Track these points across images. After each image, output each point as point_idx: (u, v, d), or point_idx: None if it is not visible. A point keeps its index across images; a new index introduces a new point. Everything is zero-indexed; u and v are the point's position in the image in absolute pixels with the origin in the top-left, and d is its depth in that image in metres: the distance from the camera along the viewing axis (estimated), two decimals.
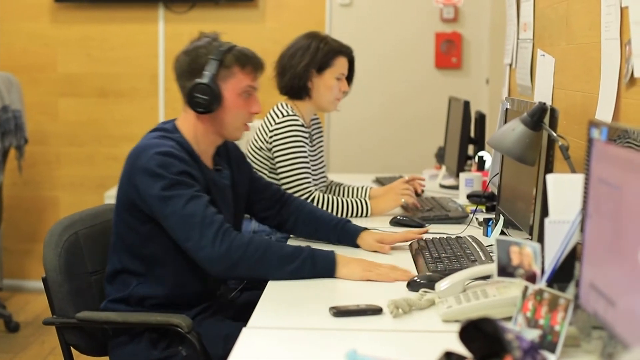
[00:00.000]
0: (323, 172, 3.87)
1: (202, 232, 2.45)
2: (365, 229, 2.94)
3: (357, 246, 2.90)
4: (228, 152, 2.89)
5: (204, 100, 2.62)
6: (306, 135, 3.61)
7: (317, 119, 3.91)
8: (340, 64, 3.70)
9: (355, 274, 2.49)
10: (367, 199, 3.57)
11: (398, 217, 3.33)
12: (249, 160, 3.64)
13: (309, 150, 3.64)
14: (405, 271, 2.50)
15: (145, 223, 2.59)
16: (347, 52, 3.73)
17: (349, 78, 3.79)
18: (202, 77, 2.63)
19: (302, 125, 3.58)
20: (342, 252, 2.61)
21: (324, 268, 2.50)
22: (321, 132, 3.93)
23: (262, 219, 3.09)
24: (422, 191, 3.86)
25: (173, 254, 2.59)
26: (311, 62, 3.64)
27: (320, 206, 3.43)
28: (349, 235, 2.92)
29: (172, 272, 2.62)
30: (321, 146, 3.90)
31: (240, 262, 2.45)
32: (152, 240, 2.60)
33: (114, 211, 2.70)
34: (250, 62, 2.67)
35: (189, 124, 2.70)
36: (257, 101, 2.71)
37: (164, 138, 2.63)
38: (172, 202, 2.49)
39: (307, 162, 3.56)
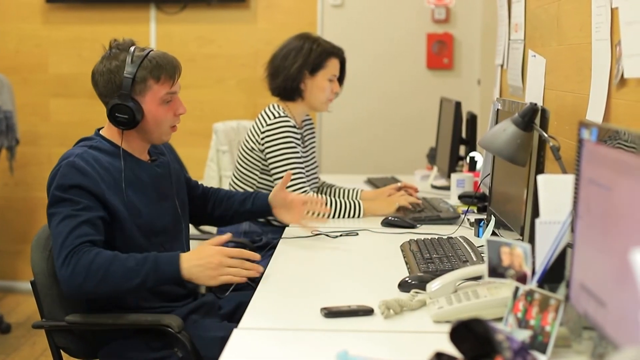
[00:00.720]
0: (315, 173, 3.88)
1: (59, 254, 2.45)
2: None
3: (269, 208, 3.08)
4: (164, 151, 2.93)
5: (124, 119, 2.65)
6: (298, 136, 3.61)
7: (309, 119, 3.92)
8: (333, 65, 3.70)
9: (202, 279, 2.48)
10: (359, 200, 3.57)
11: (389, 217, 3.34)
12: (238, 161, 3.66)
13: (301, 151, 3.64)
14: (254, 265, 2.50)
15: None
16: (339, 54, 3.74)
17: (340, 79, 3.79)
18: (119, 97, 2.63)
19: (294, 127, 3.58)
20: None
21: (169, 274, 2.46)
22: (313, 133, 3.93)
23: (198, 220, 3.15)
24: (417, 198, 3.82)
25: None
26: (304, 63, 3.64)
27: None
28: (262, 198, 3.06)
29: None
30: (313, 147, 3.90)
31: (86, 282, 2.41)
32: (111, 242, 2.58)
33: None
34: (163, 71, 2.64)
35: (113, 132, 2.72)
36: (180, 103, 2.71)
37: (78, 147, 2.71)
38: (51, 220, 2.51)
39: (300, 163, 3.56)
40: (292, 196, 3.06)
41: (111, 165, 2.61)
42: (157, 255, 2.49)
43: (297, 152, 3.56)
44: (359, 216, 3.49)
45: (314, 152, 3.90)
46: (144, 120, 2.66)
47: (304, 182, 3.51)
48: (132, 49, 2.67)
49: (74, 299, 2.57)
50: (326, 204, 3.45)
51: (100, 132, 2.76)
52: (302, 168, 3.57)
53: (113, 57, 2.67)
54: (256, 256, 2.53)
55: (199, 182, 3.15)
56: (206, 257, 2.48)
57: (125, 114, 2.63)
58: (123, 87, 2.63)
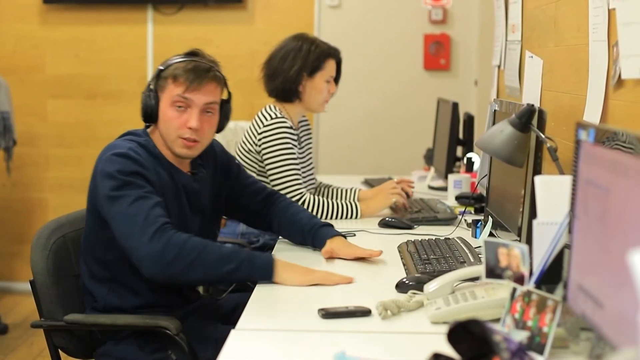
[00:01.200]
0: (312, 174, 3.87)
1: (142, 231, 2.42)
2: (339, 234, 2.88)
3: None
4: (215, 157, 2.88)
5: (142, 110, 2.67)
6: (295, 137, 3.61)
7: (305, 120, 3.91)
8: (330, 66, 3.70)
9: (294, 279, 2.45)
10: (356, 201, 3.57)
11: (387, 218, 3.34)
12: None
13: (297, 152, 3.64)
14: (343, 276, 2.47)
15: (107, 227, 2.56)
16: (335, 55, 3.74)
17: (336, 79, 3.79)
18: (146, 88, 2.67)
19: (291, 128, 3.58)
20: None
21: (262, 271, 2.45)
22: (310, 133, 3.93)
23: (251, 223, 3.09)
24: (412, 193, 3.85)
25: None
26: (303, 65, 3.64)
27: (310, 208, 3.42)
28: (318, 242, 2.87)
29: (141, 278, 2.55)
30: (310, 148, 3.90)
31: (175, 261, 2.39)
32: (114, 244, 2.55)
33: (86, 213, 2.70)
34: (184, 73, 2.61)
35: (155, 135, 2.72)
36: (194, 116, 2.62)
37: (126, 140, 2.65)
38: (118, 202, 2.47)
39: (297, 164, 3.56)
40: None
41: (153, 168, 2.60)
42: (251, 250, 2.51)
43: (294, 154, 3.55)
44: (356, 217, 3.49)
45: (310, 153, 3.90)
46: (159, 121, 2.66)
47: (299, 184, 3.51)
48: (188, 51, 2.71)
49: (155, 277, 2.46)
50: (323, 206, 3.45)
51: (148, 130, 2.73)
52: (299, 169, 3.57)
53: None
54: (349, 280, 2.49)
55: (267, 188, 3.07)
56: (298, 265, 2.50)
57: (143, 104, 2.67)
58: (151, 77, 2.67)
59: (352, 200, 3.61)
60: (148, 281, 2.54)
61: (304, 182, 3.69)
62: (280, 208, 3.00)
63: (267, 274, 2.44)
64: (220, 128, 2.77)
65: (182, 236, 2.43)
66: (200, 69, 2.63)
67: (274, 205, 3.01)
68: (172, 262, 2.40)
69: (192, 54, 2.71)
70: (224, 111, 2.76)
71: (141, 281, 2.57)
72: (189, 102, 2.62)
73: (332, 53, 3.72)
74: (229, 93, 2.78)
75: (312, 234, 2.88)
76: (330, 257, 2.76)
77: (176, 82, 2.62)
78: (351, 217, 3.48)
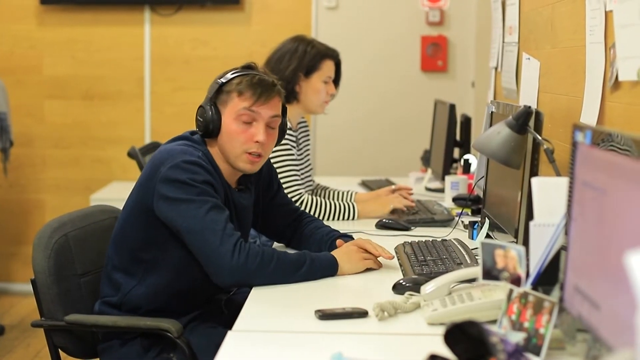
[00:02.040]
0: (310, 175, 3.87)
1: (223, 240, 2.43)
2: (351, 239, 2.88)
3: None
4: (260, 173, 2.85)
5: (200, 123, 2.64)
6: (293, 138, 3.61)
7: (304, 122, 3.91)
8: (328, 67, 3.70)
9: (357, 267, 2.59)
10: (354, 202, 3.57)
11: (384, 220, 3.34)
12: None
13: (296, 153, 3.64)
14: (384, 250, 2.64)
15: (153, 228, 2.56)
16: (333, 55, 3.74)
17: (336, 81, 3.79)
18: (205, 101, 2.64)
19: (290, 129, 3.58)
20: None
21: (327, 268, 2.55)
22: (308, 135, 3.93)
23: (276, 238, 3.08)
24: (412, 201, 3.79)
25: (173, 263, 2.59)
26: (299, 66, 3.63)
27: (308, 208, 3.43)
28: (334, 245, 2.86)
29: (169, 281, 2.59)
30: (308, 150, 3.90)
31: (258, 271, 2.44)
32: (154, 245, 2.58)
33: (123, 209, 2.68)
34: (250, 87, 2.60)
35: (212, 148, 2.69)
36: (262, 130, 2.61)
37: (192, 147, 2.62)
38: (194, 206, 2.47)
39: (296, 165, 3.56)
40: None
41: (215, 182, 2.59)
42: (309, 253, 2.57)
43: (293, 155, 3.56)
44: (353, 218, 3.49)
45: (308, 154, 3.90)
46: (221, 135, 2.63)
47: (299, 185, 3.51)
48: (244, 65, 2.71)
49: (232, 286, 2.60)
50: (321, 207, 3.46)
51: (209, 143, 2.69)
52: (298, 171, 3.57)
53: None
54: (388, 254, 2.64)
55: (298, 209, 3.07)
56: (351, 253, 2.61)
57: (202, 117, 2.63)
58: (210, 91, 2.65)
59: (349, 201, 3.61)
60: (173, 286, 2.60)
61: (302, 183, 3.69)
62: (304, 227, 2.98)
63: (332, 270, 2.56)
64: (277, 143, 2.78)
65: (255, 247, 2.47)
66: (266, 83, 2.63)
67: (299, 225, 3.00)
68: (255, 271, 2.44)
69: (249, 67, 2.70)
70: (281, 126, 2.75)
71: (168, 285, 2.60)
72: (256, 115, 2.61)
73: (330, 54, 3.72)
74: (285, 108, 2.76)
75: (328, 245, 2.86)
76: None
77: (242, 96, 2.60)
78: (348, 218, 3.49)
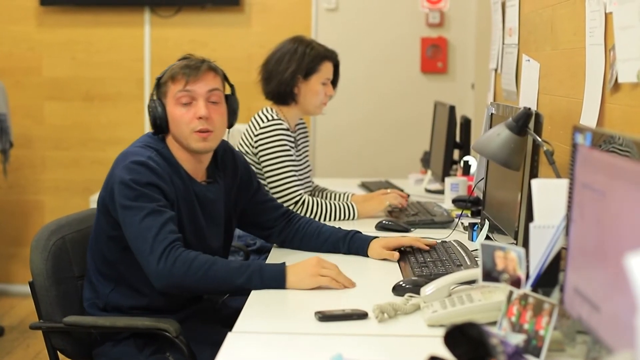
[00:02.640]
0: (308, 176, 3.88)
1: (152, 248, 2.45)
2: (375, 237, 2.89)
3: (367, 256, 2.86)
4: (236, 168, 2.88)
5: (151, 121, 2.69)
6: (291, 139, 3.61)
7: (302, 123, 3.92)
8: (326, 68, 3.70)
9: (303, 283, 2.44)
10: (353, 203, 3.57)
11: (383, 221, 3.34)
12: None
13: (295, 154, 3.64)
14: (348, 280, 2.47)
15: (117, 229, 2.59)
16: (332, 57, 3.74)
17: (334, 82, 3.79)
18: (151, 100, 2.70)
19: (287, 130, 3.58)
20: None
21: (273, 281, 2.45)
22: (307, 136, 3.93)
23: (263, 237, 3.09)
24: (405, 202, 3.79)
25: None
26: (298, 68, 3.63)
27: (309, 209, 3.44)
28: (358, 246, 2.88)
29: (146, 280, 2.57)
30: (307, 151, 3.90)
31: (185, 278, 2.43)
32: (122, 247, 2.59)
33: (96, 212, 2.72)
34: (181, 70, 2.65)
35: (171, 143, 2.73)
36: (200, 105, 2.64)
37: (146, 147, 2.66)
38: (131, 213, 2.50)
39: (295, 166, 3.56)
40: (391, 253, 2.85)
41: (170, 178, 2.61)
42: (260, 263, 2.50)
43: (291, 156, 3.56)
44: (353, 218, 3.50)
45: (307, 156, 3.90)
46: (170, 124, 2.67)
47: (297, 185, 3.51)
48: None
49: (165, 292, 2.54)
50: (321, 207, 3.46)
51: (167, 140, 2.72)
52: (297, 172, 3.57)
53: None
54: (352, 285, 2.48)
55: (284, 205, 3.08)
56: (306, 267, 2.48)
57: (151, 115, 2.68)
58: (154, 87, 2.71)
59: (348, 202, 3.61)
60: (150, 285, 2.56)
61: (302, 184, 3.69)
62: (301, 224, 2.99)
63: (279, 284, 2.44)
64: (230, 123, 2.80)
65: (190, 254, 2.45)
66: (194, 61, 2.68)
67: (292, 222, 3.00)
68: (181, 280, 2.44)
69: (184, 58, 2.74)
70: (231, 105, 2.78)
71: (145, 284, 2.58)
72: (192, 93, 2.64)
73: (329, 55, 3.72)
74: (232, 87, 2.81)
75: (348, 241, 2.89)
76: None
77: (175, 81, 2.64)
78: (348, 218, 3.50)
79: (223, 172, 2.83)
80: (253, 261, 2.55)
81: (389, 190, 3.80)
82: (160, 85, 2.69)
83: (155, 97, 2.69)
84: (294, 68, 3.63)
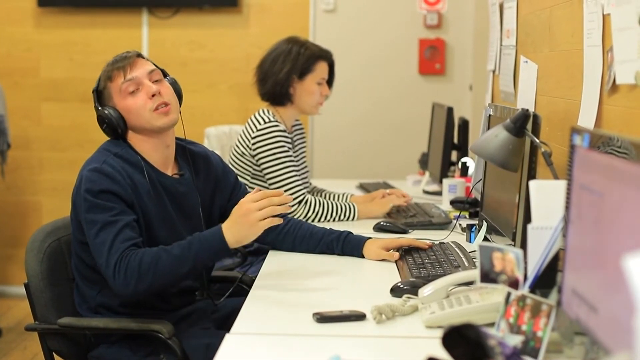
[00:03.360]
0: (306, 177, 3.88)
1: (107, 262, 2.46)
2: (369, 238, 2.89)
3: (362, 256, 2.85)
4: (209, 165, 2.87)
5: (107, 129, 2.71)
6: (289, 140, 3.61)
7: (299, 124, 3.91)
8: (321, 68, 3.70)
9: (248, 238, 2.49)
10: (353, 203, 3.58)
11: (381, 222, 3.34)
12: (230, 167, 3.62)
13: (293, 155, 3.64)
14: (283, 199, 2.49)
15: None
16: (327, 57, 3.74)
17: (330, 82, 3.79)
18: (96, 110, 2.70)
19: (284, 131, 3.58)
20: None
21: (216, 246, 2.47)
22: (303, 137, 3.93)
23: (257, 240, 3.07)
24: (408, 201, 3.80)
25: None
26: (293, 68, 3.64)
27: (312, 208, 3.45)
28: (352, 246, 2.87)
29: None
30: (304, 152, 3.90)
31: (139, 284, 2.44)
32: None
33: None
34: (114, 67, 2.65)
35: (133, 139, 2.72)
36: (147, 85, 2.64)
37: (102, 152, 2.67)
38: (88, 227, 2.51)
39: (294, 167, 3.56)
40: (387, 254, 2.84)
41: (128, 178, 2.59)
42: (199, 235, 2.51)
43: (290, 156, 3.56)
44: (353, 218, 3.50)
45: (304, 156, 3.90)
46: (127, 120, 2.66)
47: (299, 186, 3.51)
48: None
49: (130, 299, 2.56)
50: (323, 206, 3.46)
51: (128, 138, 2.71)
52: (297, 171, 3.57)
53: None
54: (279, 193, 2.51)
55: None
56: (237, 215, 2.48)
57: (104, 123, 2.68)
58: (94, 102, 2.70)
59: (349, 202, 3.61)
60: None
61: (302, 184, 3.69)
62: (291, 226, 2.96)
63: (222, 246, 2.47)
64: (179, 102, 2.76)
65: (136, 259, 2.45)
66: (120, 56, 2.68)
67: (289, 226, 2.97)
68: (136, 286, 2.44)
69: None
70: (175, 85, 2.76)
71: None
72: (135, 80, 2.64)
73: (323, 55, 3.72)
74: (163, 70, 2.77)
75: (342, 242, 2.88)
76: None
77: (113, 78, 2.64)
78: (349, 218, 3.50)
79: (195, 166, 2.81)
80: (193, 238, 2.51)
81: (388, 191, 3.80)
82: (100, 94, 2.68)
83: (100, 107, 2.67)
84: (289, 68, 3.64)
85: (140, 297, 2.52)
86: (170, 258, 2.46)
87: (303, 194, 3.49)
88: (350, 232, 2.93)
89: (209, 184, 2.85)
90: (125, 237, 2.48)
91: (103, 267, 2.47)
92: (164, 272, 2.45)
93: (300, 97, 3.68)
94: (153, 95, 2.63)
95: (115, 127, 2.66)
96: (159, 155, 2.70)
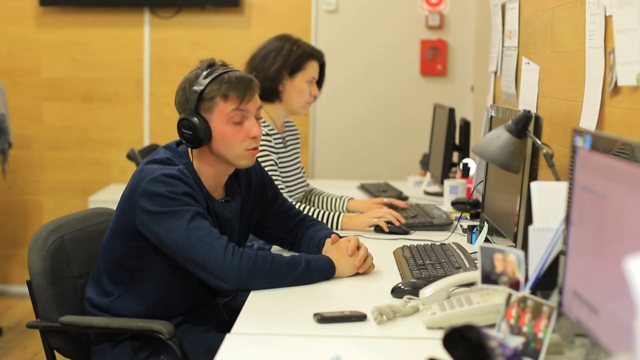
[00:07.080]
0: (301, 176, 3.82)
1: (212, 245, 2.42)
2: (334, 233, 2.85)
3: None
4: (249, 175, 2.83)
5: (189, 136, 2.58)
6: (274, 143, 3.56)
7: (290, 122, 3.88)
8: (312, 67, 3.69)
9: (345, 271, 2.58)
10: (344, 210, 3.55)
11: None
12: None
13: (282, 155, 3.61)
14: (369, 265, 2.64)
15: (137, 241, 2.55)
16: (318, 56, 3.73)
17: (320, 82, 3.78)
18: (186, 112, 2.58)
19: (271, 130, 3.56)
20: None
21: (325, 270, 2.55)
22: (296, 136, 3.89)
23: (274, 243, 3.06)
24: (406, 204, 3.75)
25: (159, 273, 2.59)
26: (284, 65, 3.62)
27: None
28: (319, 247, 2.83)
29: (155, 289, 2.59)
30: (297, 150, 3.84)
31: (253, 272, 2.42)
32: (140, 257, 2.58)
33: (111, 221, 2.67)
34: (232, 89, 2.57)
35: (192, 153, 2.67)
36: (254, 124, 2.61)
37: (170, 161, 2.59)
38: (175, 217, 2.45)
39: (275, 170, 3.50)
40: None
41: (198, 194, 2.57)
42: (306, 256, 2.59)
43: (272, 160, 3.48)
44: (336, 228, 3.39)
45: (297, 155, 3.84)
46: (214, 141, 2.59)
47: (282, 190, 3.43)
48: (205, 64, 2.63)
49: (231, 290, 2.59)
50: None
51: (194, 152, 2.65)
52: (280, 175, 3.52)
53: (193, 73, 2.63)
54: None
55: (300, 213, 3.03)
56: (343, 259, 2.60)
57: (189, 130, 2.57)
58: (190, 102, 2.58)
59: (335, 213, 3.47)
60: (159, 294, 2.59)
61: (291, 187, 3.66)
62: (312, 232, 2.93)
63: (330, 273, 2.56)
64: None
65: (247, 249, 2.48)
66: (245, 79, 2.61)
67: (303, 227, 2.97)
68: (250, 273, 2.43)
69: (213, 65, 2.65)
70: None
71: (154, 293, 2.60)
72: (245, 113, 2.60)
73: (315, 54, 3.71)
74: None
75: (316, 245, 2.84)
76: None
77: (227, 99, 2.57)
78: (332, 229, 3.39)
79: (239, 187, 2.79)
80: (298, 255, 2.58)
81: (386, 200, 3.76)
82: (203, 99, 2.57)
83: (193, 108, 2.57)
84: (280, 65, 3.62)
85: (242, 287, 2.47)
86: (283, 259, 2.50)
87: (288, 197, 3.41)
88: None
89: (250, 196, 2.84)
90: (218, 231, 2.50)
91: (203, 250, 2.42)
92: (278, 269, 2.47)
93: (289, 95, 3.66)
94: (254, 137, 2.61)
95: (198, 142, 2.58)
96: (216, 182, 2.69)
